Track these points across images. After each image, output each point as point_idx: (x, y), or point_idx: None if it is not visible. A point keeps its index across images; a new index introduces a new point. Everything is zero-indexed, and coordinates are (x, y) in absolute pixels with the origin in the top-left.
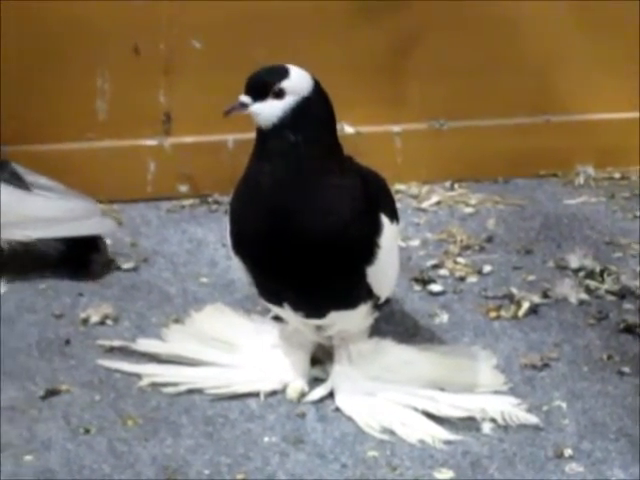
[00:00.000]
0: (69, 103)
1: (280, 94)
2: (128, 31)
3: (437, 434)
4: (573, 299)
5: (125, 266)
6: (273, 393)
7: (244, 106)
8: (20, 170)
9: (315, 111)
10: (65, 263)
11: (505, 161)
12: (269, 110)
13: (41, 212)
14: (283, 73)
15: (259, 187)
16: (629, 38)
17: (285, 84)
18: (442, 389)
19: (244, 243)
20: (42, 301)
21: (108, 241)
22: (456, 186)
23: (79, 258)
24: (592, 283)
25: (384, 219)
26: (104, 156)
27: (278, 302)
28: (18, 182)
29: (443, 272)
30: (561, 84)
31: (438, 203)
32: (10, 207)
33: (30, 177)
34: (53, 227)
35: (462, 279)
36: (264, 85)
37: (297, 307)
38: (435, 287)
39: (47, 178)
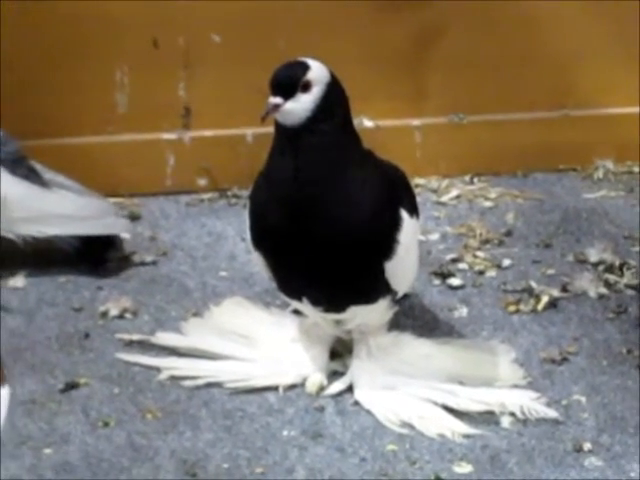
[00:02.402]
0: (89, 97)
1: (307, 87)
2: (147, 25)
3: (456, 428)
4: (592, 293)
5: (144, 260)
6: (292, 387)
7: (277, 107)
8: (38, 167)
9: (338, 96)
10: (81, 260)
11: (524, 155)
12: (302, 105)
13: (57, 209)
14: (305, 66)
15: (284, 182)
16: None
17: (310, 76)
18: (461, 383)
19: (265, 238)
20: (62, 295)
21: (127, 235)
22: (475, 180)
23: (95, 255)
24: (611, 277)
25: (404, 214)
26: (123, 150)
27: (297, 296)
28: (36, 178)
29: (462, 266)
30: (580, 78)
31: (457, 197)
32: (27, 203)
33: (48, 174)
34: (68, 224)
35: (481, 273)
36: (292, 82)
37: (316, 302)
38: (454, 281)
39: (64, 176)
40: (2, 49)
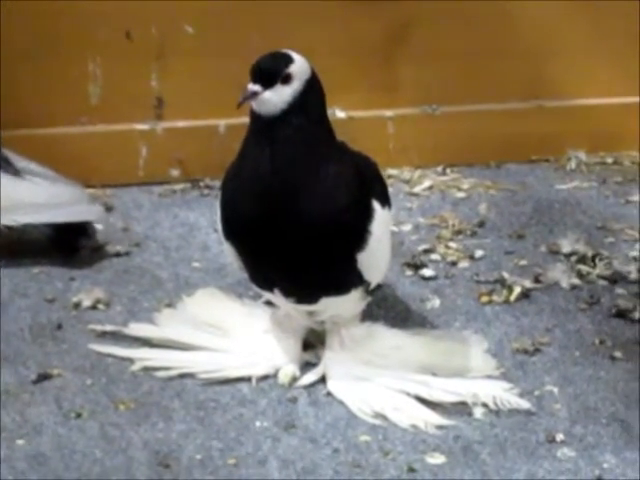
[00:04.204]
0: (61, 88)
1: (287, 79)
2: (120, 16)
3: (429, 419)
4: (565, 284)
5: (117, 251)
6: (265, 378)
7: (255, 95)
8: (10, 155)
9: (316, 94)
10: (55, 248)
11: (497, 146)
12: (279, 97)
13: (29, 197)
14: (288, 58)
15: (256, 172)
16: (621, 23)
17: (292, 69)
18: (434, 374)
19: (236, 228)
20: (34, 286)
21: (99, 226)
22: (448, 171)
23: (68, 243)
24: (584, 268)
25: (376, 205)
26: (96, 140)
27: (269, 288)
28: (7, 167)
29: (435, 257)
30: (553, 69)
31: (430, 188)
32: None
33: (20, 163)
34: (41, 213)
35: (454, 264)
36: (274, 72)
37: (288, 293)
38: (427, 272)
39: (37, 164)
40: None
